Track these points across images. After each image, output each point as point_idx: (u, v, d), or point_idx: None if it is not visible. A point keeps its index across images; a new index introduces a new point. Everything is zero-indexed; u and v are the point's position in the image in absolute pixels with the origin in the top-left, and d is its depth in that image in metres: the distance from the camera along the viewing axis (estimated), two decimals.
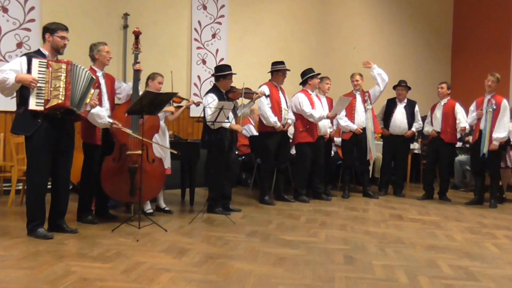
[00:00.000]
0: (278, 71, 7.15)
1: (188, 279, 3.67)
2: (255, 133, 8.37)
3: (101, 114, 5.20)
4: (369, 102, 7.78)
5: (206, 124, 6.07)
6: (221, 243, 4.79)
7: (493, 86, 7.23)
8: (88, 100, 4.79)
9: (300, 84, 7.58)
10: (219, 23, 8.94)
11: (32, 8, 6.96)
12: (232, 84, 6.45)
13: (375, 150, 7.86)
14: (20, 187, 6.50)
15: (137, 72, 5.62)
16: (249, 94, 6.61)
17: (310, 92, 7.49)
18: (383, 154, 8.35)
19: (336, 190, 8.42)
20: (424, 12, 12.25)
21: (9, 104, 5.62)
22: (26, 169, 4.75)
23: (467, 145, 9.48)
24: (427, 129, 8.00)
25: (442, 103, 7.89)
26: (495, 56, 11.59)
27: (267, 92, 6.94)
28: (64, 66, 4.64)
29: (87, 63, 5.38)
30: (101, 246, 4.50)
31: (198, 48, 8.74)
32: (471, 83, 11.80)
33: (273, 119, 6.97)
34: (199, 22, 8.73)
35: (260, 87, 7.03)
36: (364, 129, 7.73)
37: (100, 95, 5.30)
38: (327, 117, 7.48)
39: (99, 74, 5.42)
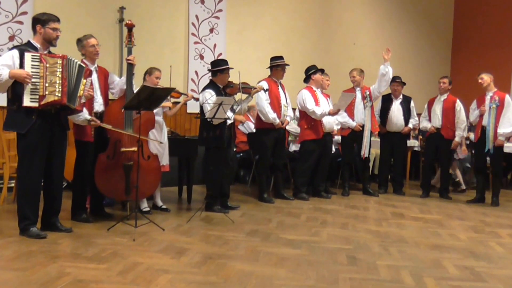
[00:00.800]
0: (277, 66, 7.01)
1: (187, 281, 3.54)
2: (254, 130, 8.25)
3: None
4: (368, 99, 7.65)
5: (204, 120, 5.92)
6: (220, 242, 4.66)
7: (486, 82, 7.14)
8: (81, 92, 4.63)
9: (304, 81, 7.45)
10: (217, 17, 8.78)
11: (24, 1, 6.78)
12: (230, 79, 6.31)
13: (368, 148, 7.70)
14: (13, 185, 6.34)
15: (130, 66, 5.43)
16: (247, 88, 6.48)
17: (314, 88, 7.35)
18: (381, 152, 8.22)
19: (335, 187, 8.28)
20: (425, 8, 12.14)
21: (0, 99, 5.40)
22: (18, 166, 4.59)
23: (467, 142, 9.38)
24: (425, 124, 7.83)
25: (442, 99, 7.76)
26: (495, 52, 11.49)
27: (266, 87, 6.81)
28: (59, 61, 4.48)
29: (81, 57, 5.25)
30: (96, 246, 4.36)
31: (196, 43, 8.58)
32: (471, 80, 11.62)
33: (272, 115, 6.84)
34: (196, 16, 8.57)
35: (259, 83, 6.89)
36: (363, 126, 7.61)
37: (92, 90, 5.12)
38: (329, 114, 7.34)
39: (91, 68, 5.21)
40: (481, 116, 7.19)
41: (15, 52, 4.43)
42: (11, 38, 6.73)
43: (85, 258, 3.99)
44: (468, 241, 5.04)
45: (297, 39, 9.90)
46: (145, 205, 5.87)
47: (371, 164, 8.25)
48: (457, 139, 7.68)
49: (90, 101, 5.07)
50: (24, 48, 4.50)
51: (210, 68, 6.36)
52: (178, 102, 6.51)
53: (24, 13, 6.78)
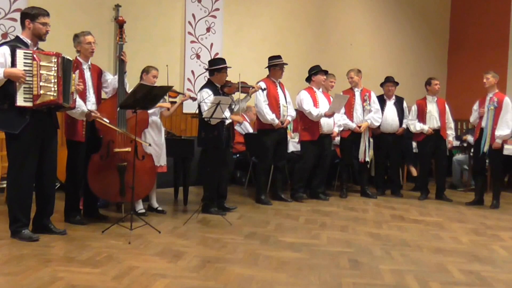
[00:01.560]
0: (275, 65, 6.90)
1: (185, 286, 3.42)
2: (251, 130, 8.14)
3: (77, 103, 4.76)
4: (368, 102, 7.55)
5: (202, 120, 5.80)
6: (218, 245, 4.53)
7: (490, 83, 7.02)
8: (72, 88, 4.49)
9: (306, 80, 7.34)
10: (214, 16, 8.66)
11: None
12: (227, 79, 6.20)
13: (368, 152, 7.61)
14: (4, 185, 6.17)
15: (122, 64, 5.30)
16: (245, 88, 6.37)
17: (315, 89, 7.24)
18: (376, 154, 8.10)
19: (332, 189, 8.17)
20: (422, 9, 12.07)
21: None
22: (9, 167, 4.43)
23: (465, 144, 9.30)
24: (422, 126, 7.65)
25: (435, 100, 7.67)
26: (492, 53, 11.43)
27: (263, 86, 6.70)
28: (54, 59, 4.34)
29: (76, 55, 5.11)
30: (91, 249, 4.22)
31: (192, 42, 8.45)
32: (468, 81, 11.66)
33: (270, 116, 6.72)
34: (193, 15, 8.44)
35: (257, 83, 6.77)
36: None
37: (85, 88, 4.99)
38: (325, 116, 7.24)
39: (85, 66, 5.12)
40: (480, 117, 7.11)
41: (6, 49, 4.28)
42: (4, 35, 6.57)
43: (79, 262, 3.85)
44: (470, 244, 4.95)
45: (294, 39, 9.80)
46: (140, 207, 5.73)
47: (368, 166, 8.13)
48: (450, 138, 7.69)
49: (82, 99, 4.93)
50: (14, 44, 4.35)
51: (207, 67, 6.25)
52: (175, 102, 6.39)
53: (18, 10, 6.58)
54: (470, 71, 11.77)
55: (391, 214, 6.45)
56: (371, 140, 7.89)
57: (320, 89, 7.31)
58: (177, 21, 8.34)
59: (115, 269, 3.71)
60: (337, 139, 7.95)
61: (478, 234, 5.42)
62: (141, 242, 4.53)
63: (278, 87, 6.93)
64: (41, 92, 4.26)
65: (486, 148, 6.92)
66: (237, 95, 6.46)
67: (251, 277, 3.65)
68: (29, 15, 4.41)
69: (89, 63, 5.19)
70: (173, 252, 4.25)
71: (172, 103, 6.41)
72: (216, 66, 6.09)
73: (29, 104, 4.25)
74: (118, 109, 5.06)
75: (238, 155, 8.28)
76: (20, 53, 4.25)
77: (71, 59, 4.61)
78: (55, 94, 4.31)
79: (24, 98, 4.23)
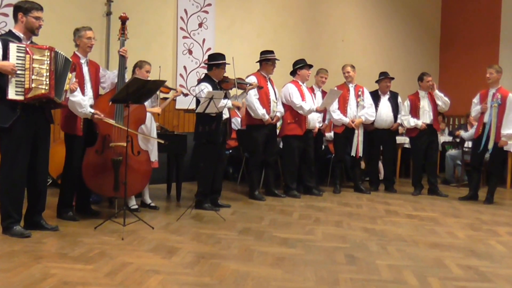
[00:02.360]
0: (267, 60, 6.86)
1: (180, 282, 3.35)
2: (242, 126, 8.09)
3: (83, 103, 4.84)
4: (362, 98, 7.53)
5: (200, 114, 5.73)
6: (212, 241, 4.47)
7: (494, 79, 6.97)
8: (67, 86, 4.43)
9: (290, 74, 7.29)
10: (206, 11, 8.58)
11: None
12: (224, 74, 6.14)
13: (361, 147, 7.58)
14: None
15: (123, 59, 5.28)
16: (242, 84, 6.32)
17: (300, 83, 7.20)
18: (370, 149, 8.07)
19: (326, 185, 8.13)
20: (413, 5, 12.08)
21: None
22: (1, 162, 4.35)
23: (457, 140, 9.30)
24: (416, 122, 7.63)
25: (427, 94, 7.66)
26: (483, 49, 11.45)
27: (257, 82, 6.64)
28: (47, 53, 4.28)
29: (69, 49, 5.04)
30: (83, 245, 4.15)
31: (184, 37, 8.37)
32: (459, 76, 11.68)
33: (261, 111, 6.67)
34: (185, 10, 8.35)
35: (247, 77, 6.72)
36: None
37: (82, 82, 4.95)
38: (317, 111, 7.21)
39: (83, 61, 5.10)
40: (482, 113, 7.05)
41: None
42: None
43: (71, 258, 3.78)
44: (467, 239, 4.92)
45: (286, 35, 9.74)
46: (133, 203, 5.67)
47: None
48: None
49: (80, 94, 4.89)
50: (6, 38, 4.29)
51: (207, 61, 6.21)
52: (167, 98, 6.32)
53: (9, 5, 6.44)
54: (461, 67, 11.79)
55: (385, 209, 6.42)
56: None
57: (305, 84, 7.26)
58: (169, 17, 8.26)
59: (108, 265, 3.64)
60: (330, 134, 7.93)
61: (474, 229, 5.39)
62: (134, 238, 4.46)
63: (269, 83, 6.88)
64: (33, 85, 4.19)
65: (491, 145, 6.87)
66: (234, 91, 6.42)
67: (247, 273, 3.59)
68: (22, 9, 4.35)
69: (87, 58, 5.17)
70: (167, 248, 4.18)
71: (164, 98, 6.35)
72: (216, 61, 6.04)
73: (21, 97, 4.19)
74: (110, 103, 4.98)
75: (230, 151, 8.22)
76: (13, 46, 4.19)
77: (70, 59, 4.57)
78: (46, 88, 4.24)
79: (16, 91, 4.16)
